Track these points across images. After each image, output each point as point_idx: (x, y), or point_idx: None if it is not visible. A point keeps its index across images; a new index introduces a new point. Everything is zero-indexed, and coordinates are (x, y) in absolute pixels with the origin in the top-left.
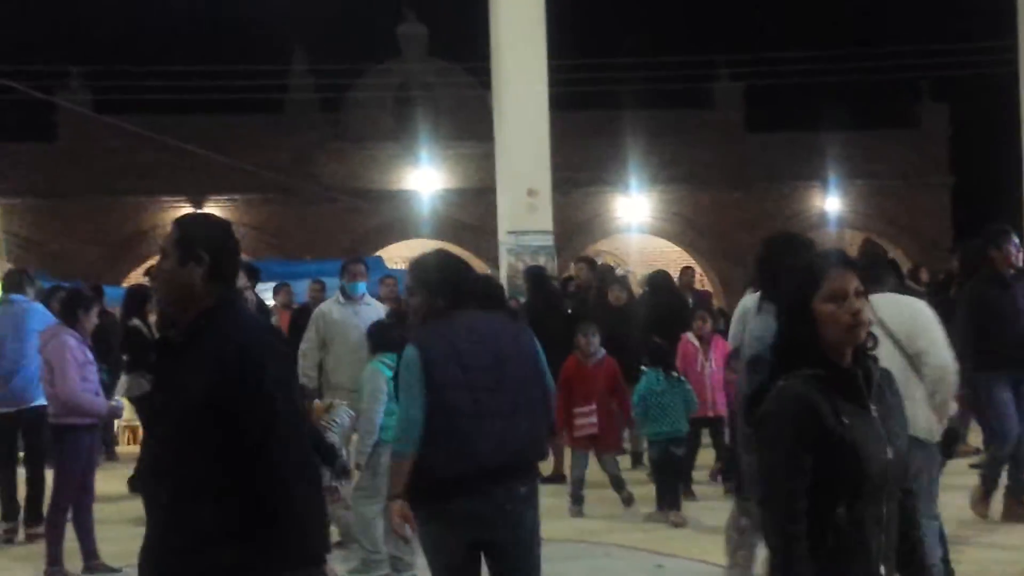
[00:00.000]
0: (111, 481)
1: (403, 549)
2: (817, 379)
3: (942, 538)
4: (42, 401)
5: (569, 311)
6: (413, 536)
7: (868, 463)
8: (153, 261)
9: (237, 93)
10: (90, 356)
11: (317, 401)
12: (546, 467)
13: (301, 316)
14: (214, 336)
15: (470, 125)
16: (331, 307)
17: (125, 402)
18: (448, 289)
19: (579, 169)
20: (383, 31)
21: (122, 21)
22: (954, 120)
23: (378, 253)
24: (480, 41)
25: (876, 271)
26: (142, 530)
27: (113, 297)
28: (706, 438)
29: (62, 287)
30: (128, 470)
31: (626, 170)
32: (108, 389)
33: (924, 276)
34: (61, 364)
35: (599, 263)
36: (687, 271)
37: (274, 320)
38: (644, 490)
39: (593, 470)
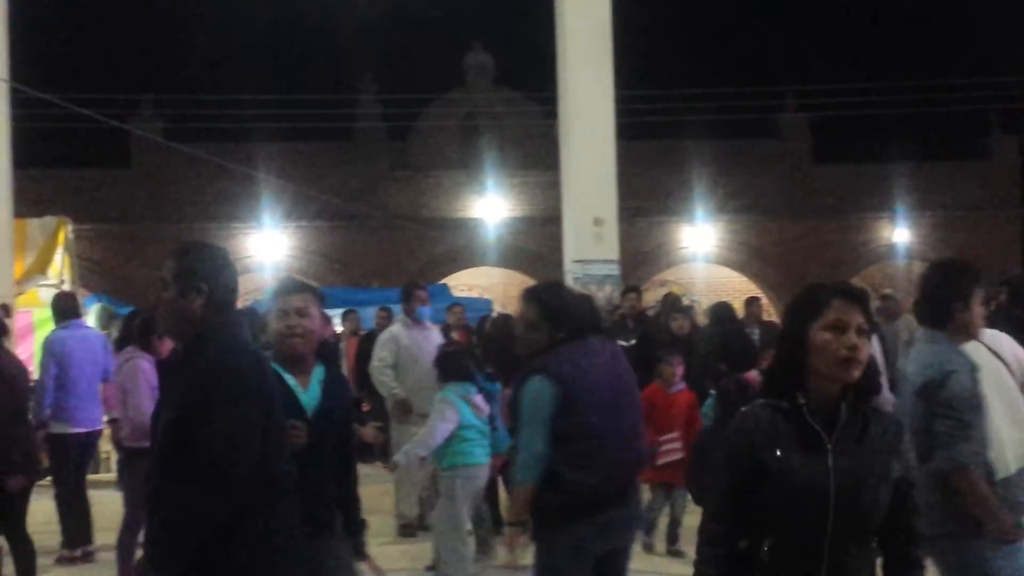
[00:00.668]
0: None
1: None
2: (775, 409)
3: None
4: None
5: (632, 341)
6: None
7: (798, 500)
8: None
9: (306, 122)
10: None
11: (367, 427)
12: None
13: (368, 342)
14: (199, 359)
15: (536, 154)
16: (400, 331)
17: None
18: (571, 321)
19: (645, 198)
20: (450, 61)
21: (194, 51)
22: None
23: (443, 281)
24: (546, 70)
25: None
26: None
27: None
28: None
29: (141, 312)
30: None
31: (692, 199)
32: None
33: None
34: (135, 387)
35: (667, 293)
36: (753, 301)
37: (342, 347)
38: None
39: None
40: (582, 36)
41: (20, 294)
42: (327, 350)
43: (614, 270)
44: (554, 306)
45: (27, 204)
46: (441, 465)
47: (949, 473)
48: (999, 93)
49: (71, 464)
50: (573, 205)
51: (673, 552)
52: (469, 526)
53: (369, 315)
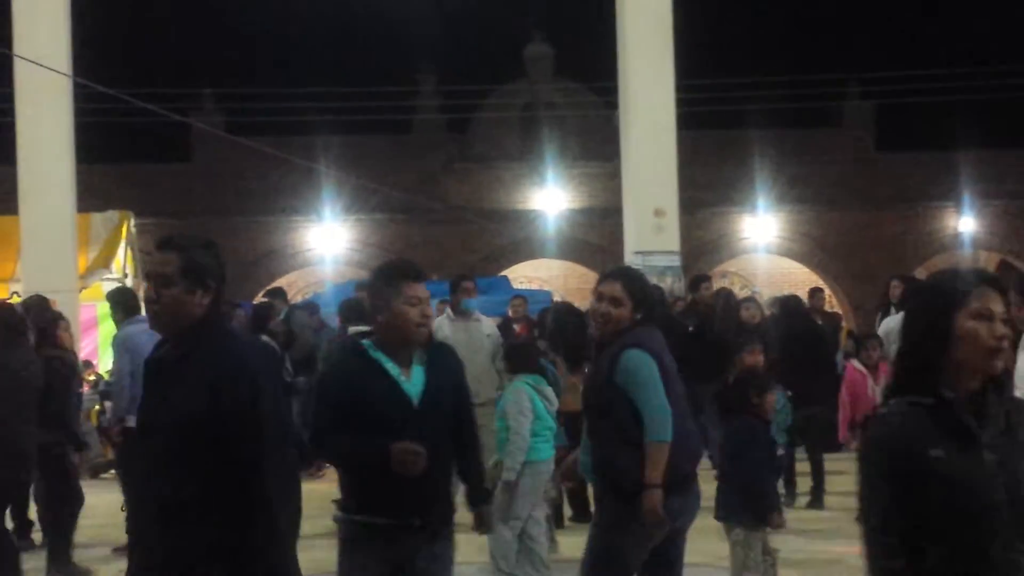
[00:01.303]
0: None
1: (541, 571)
2: (919, 406)
3: None
4: None
5: (690, 328)
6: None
7: (964, 501)
8: (282, 280)
9: (365, 114)
10: None
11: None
12: None
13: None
14: (208, 354)
15: (596, 145)
16: (442, 323)
17: None
18: (649, 305)
19: (706, 189)
20: (510, 52)
21: (255, 45)
22: None
23: (503, 273)
24: (607, 61)
25: None
26: None
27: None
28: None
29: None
30: None
31: (753, 190)
32: None
33: None
34: None
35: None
36: (816, 292)
37: None
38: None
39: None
40: (643, 26)
41: (84, 288)
42: None
43: (675, 261)
44: (638, 287)
45: (91, 199)
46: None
47: None
48: None
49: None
50: (634, 196)
51: None
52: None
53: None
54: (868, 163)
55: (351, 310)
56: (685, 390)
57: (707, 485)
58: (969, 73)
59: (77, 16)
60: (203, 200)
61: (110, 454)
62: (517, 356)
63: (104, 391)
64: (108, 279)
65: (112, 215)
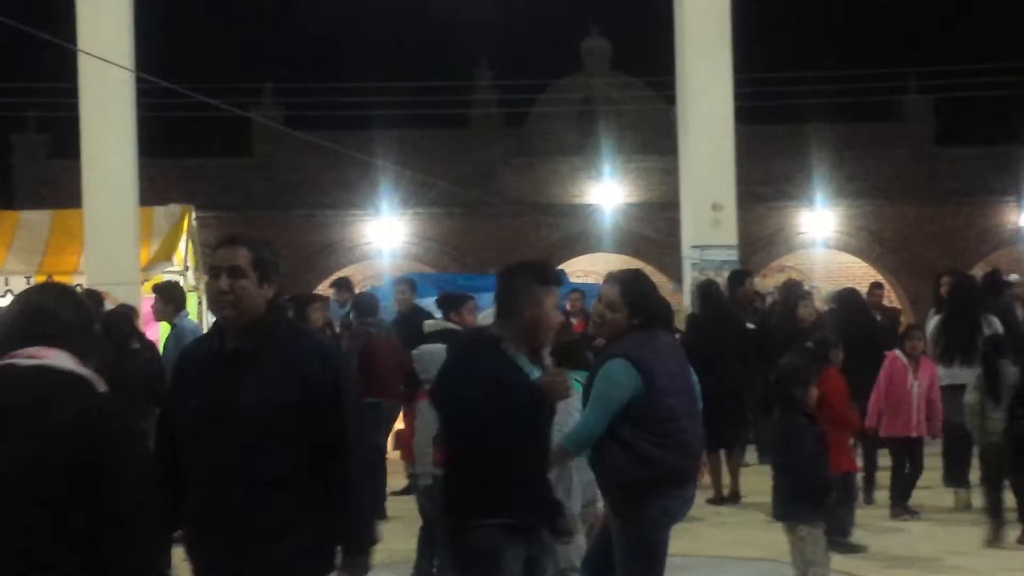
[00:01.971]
0: None
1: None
2: None
3: None
4: None
5: (750, 325)
6: None
7: None
8: (340, 274)
9: (423, 108)
10: None
11: None
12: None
13: None
14: (290, 345)
15: (653, 139)
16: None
17: None
18: (648, 310)
19: (764, 183)
20: (567, 46)
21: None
22: None
23: (560, 267)
24: (664, 55)
25: None
26: None
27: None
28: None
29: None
30: None
31: (811, 184)
32: None
33: None
34: None
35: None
36: (876, 288)
37: None
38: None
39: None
40: (701, 19)
41: (146, 280)
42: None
43: (732, 256)
44: (635, 292)
45: (152, 192)
46: None
47: None
48: None
49: None
50: (691, 190)
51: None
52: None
53: (486, 301)
54: (928, 157)
55: (364, 305)
56: (725, 385)
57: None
58: None
59: (140, 12)
60: (262, 194)
61: None
62: (563, 353)
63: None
64: (169, 272)
65: (173, 209)
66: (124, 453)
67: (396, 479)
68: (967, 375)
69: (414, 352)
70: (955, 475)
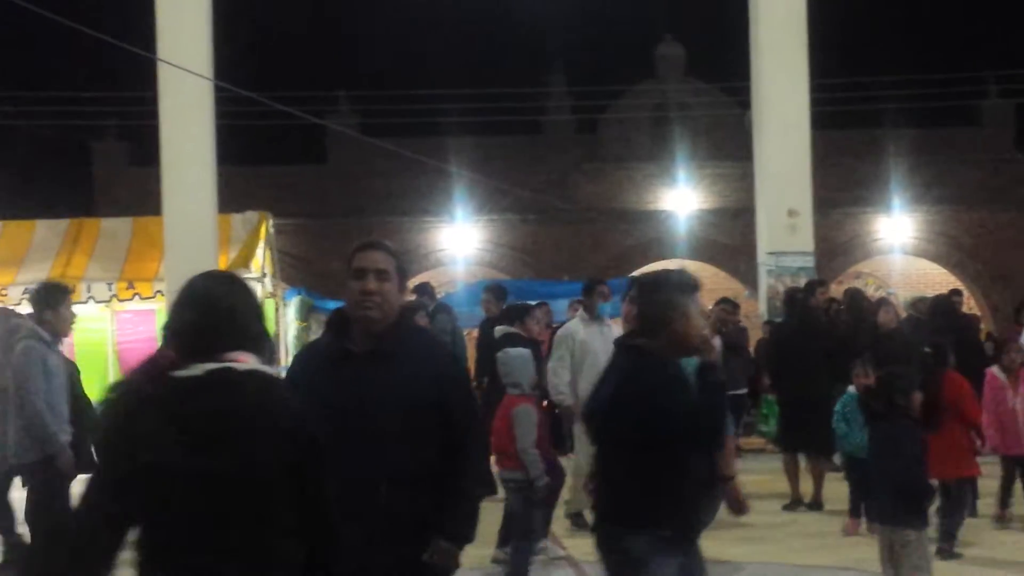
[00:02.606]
0: None
1: None
2: None
3: None
4: None
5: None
6: None
7: None
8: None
9: (496, 115)
10: None
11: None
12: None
13: (488, 328)
14: (420, 346)
15: (727, 145)
16: (577, 327)
17: None
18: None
19: (840, 189)
20: (640, 52)
21: (388, 47)
22: None
23: (634, 273)
24: (739, 61)
25: None
26: None
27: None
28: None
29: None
30: None
31: (888, 189)
32: None
33: None
34: None
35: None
36: (954, 294)
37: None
38: None
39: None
40: (776, 24)
41: None
42: (533, 346)
43: (809, 262)
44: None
45: (230, 199)
46: None
47: None
48: None
49: None
50: (767, 196)
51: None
52: None
53: (560, 308)
54: (1008, 163)
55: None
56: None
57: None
58: None
59: (218, 20)
60: (338, 201)
61: None
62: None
63: None
64: (248, 279)
65: (251, 216)
66: (320, 451)
67: None
68: None
69: (499, 355)
70: None
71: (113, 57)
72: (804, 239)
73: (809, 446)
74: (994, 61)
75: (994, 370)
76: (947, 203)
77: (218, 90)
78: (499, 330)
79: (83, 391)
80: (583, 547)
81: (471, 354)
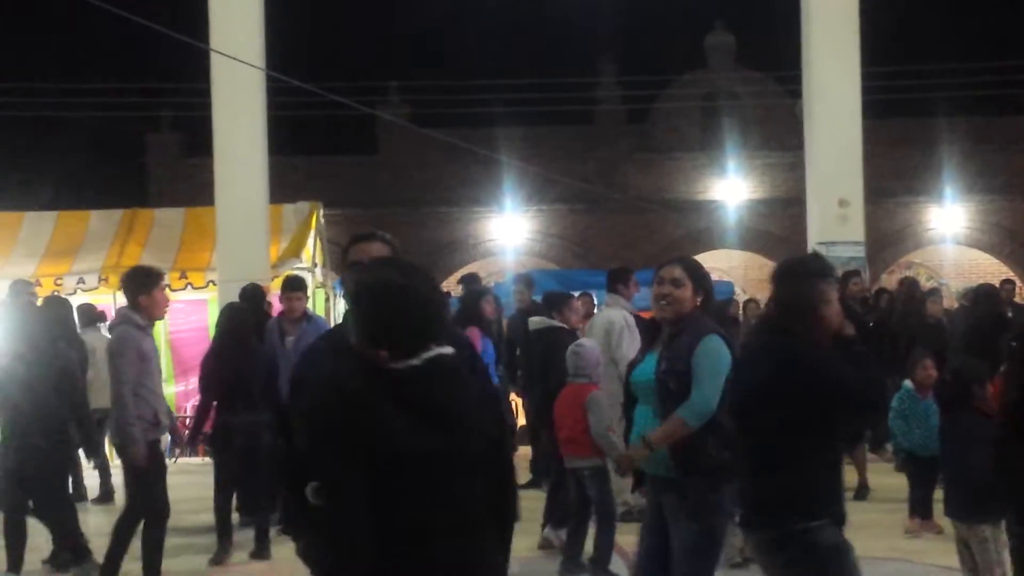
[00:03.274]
0: None
1: None
2: None
3: None
4: None
5: (871, 324)
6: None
7: None
8: (465, 270)
9: (546, 105)
10: None
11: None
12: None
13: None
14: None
15: (778, 134)
16: (622, 315)
17: None
18: (709, 286)
19: (891, 178)
20: (691, 41)
21: (438, 37)
22: None
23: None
24: (790, 49)
25: None
26: None
27: None
28: None
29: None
30: None
31: (941, 179)
32: None
33: None
34: None
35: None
36: (1006, 284)
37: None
38: None
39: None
40: (827, 12)
41: (276, 277)
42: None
43: (860, 252)
44: (695, 268)
45: (281, 190)
46: None
47: None
48: None
49: None
50: (818, 186)
51: None
52: None
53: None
54: None
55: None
56: None
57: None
58: None
59: (270, 11)
60: (389, 191)
61: None
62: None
63: None
64: (298, 268)
65: (302, 206)
66: (507, 428)
67: None
68: None
69: (573, 348)
70: None
71: (167, 49)
72: (855, 229)
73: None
74: None
75: None
76: (1000, 192)
77: (270, 81)
78: (535, 321)
79: None
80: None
81: None
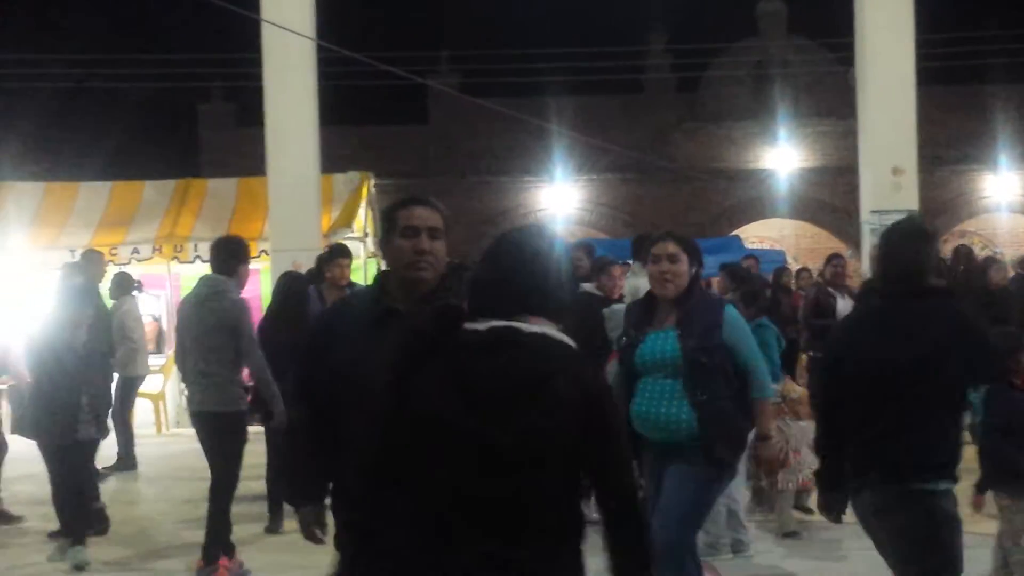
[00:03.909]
0: None
1: (741, 531)
2: None
3: None
4: None
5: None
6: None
7: None
8: None
9: (596, 74)
10: None
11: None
12: None
13: None
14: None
15: (830, 102)
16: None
17: None
18: (700, 257)
19: (946, 146)
20: (742, 9)
21: (489, 6)
22: None
23: (735, 232)
24: (842, 16)
25: None
26: None
27: None
28: None
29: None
30: None
31: (996, 147)
32: None
33: None
34: None
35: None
36: None
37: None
38: None
39: None
40: None
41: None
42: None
43: None
44: (691, 245)
45: (332, 160)
46: None
47: None
48: None
49: None
50: (871, 154)
51: None
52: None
53: None
54: None
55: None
56: None
57: None
58: None
59: None
60: (439, 161)
61: None
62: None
63: None
64: (349, 238)
65: (353, 176)
66: (611, 425)
67: None
68: None
69: (605, 311)
70: None
71: (218, 19)
72: (909, 197)
73: None
74: None
75: None
76: None
77: (321, 50)
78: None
79: None
80: None
81: None
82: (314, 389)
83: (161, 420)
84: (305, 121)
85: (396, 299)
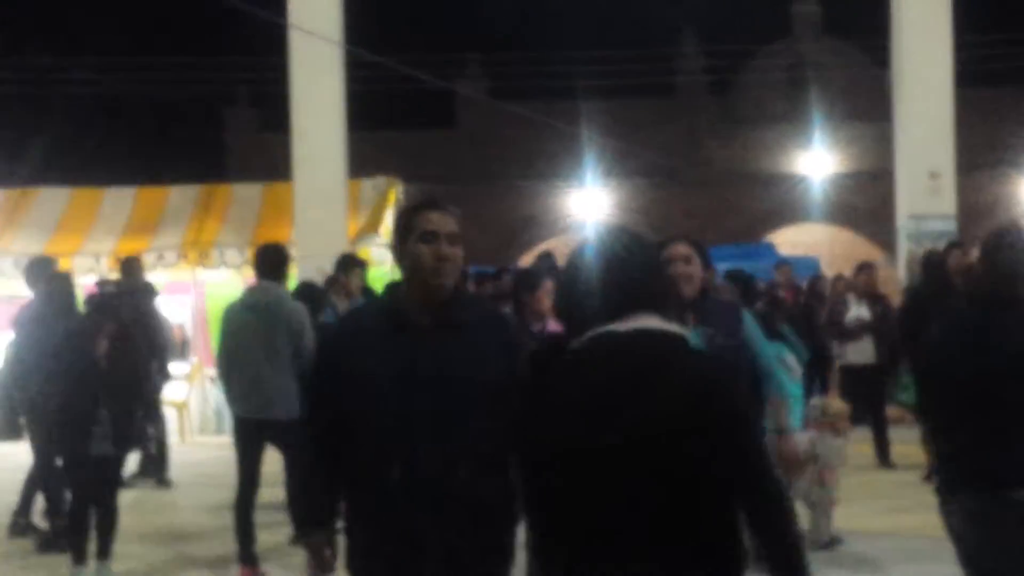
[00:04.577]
0: None
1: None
2: None
3: None
4: None
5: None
6: None
7: None
8: (543, 246)
9: (627, 77)
10: None
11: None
12: None
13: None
14: (481, 314)
15: (865, 105)
16: None
17: None
18: (708, 262)
19: (983, 150)
20: (775, 10)
21: (517, 10)
22: None
23: (767, 238)
24: (878, 18)
25: None
26: None
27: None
28: None
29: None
30: None
31: None
32: None
33: None
34: None
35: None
36: None
37: None
38: None
39: None
40: None
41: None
42: None
43: (951, 226)
44: (701, 247)
45: (359, 165)
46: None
47: None
48: None
49: None
50: (907, 158)
51: None
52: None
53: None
54: None
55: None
56: None
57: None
58: None
59: None
60: (467, 165)
61: None
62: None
63: None
64: (376, 244)
65: (380, 181)
66: (742, 420)
67: None
68: None
69: None
70: None
71: (244, 23)
72: (946, 202)
73: None
74: None
75: None
76: None
77: (348, 55)
78: None
79: None
80: None
81: None
82: (327, 404)
83: (185, 428)
84: (332, 126)
85: (409, 309)
